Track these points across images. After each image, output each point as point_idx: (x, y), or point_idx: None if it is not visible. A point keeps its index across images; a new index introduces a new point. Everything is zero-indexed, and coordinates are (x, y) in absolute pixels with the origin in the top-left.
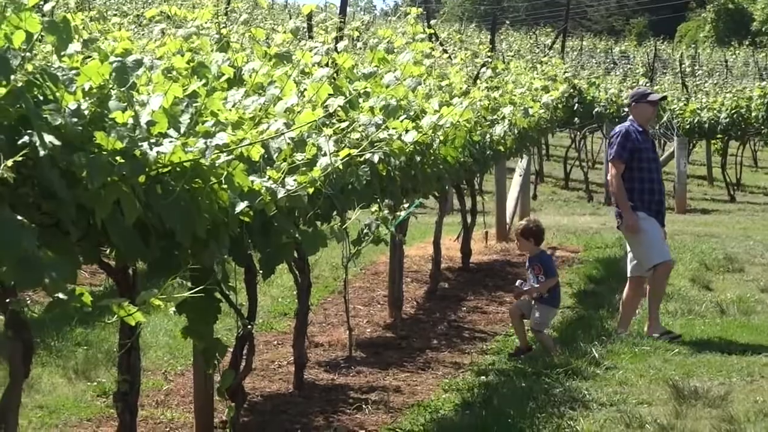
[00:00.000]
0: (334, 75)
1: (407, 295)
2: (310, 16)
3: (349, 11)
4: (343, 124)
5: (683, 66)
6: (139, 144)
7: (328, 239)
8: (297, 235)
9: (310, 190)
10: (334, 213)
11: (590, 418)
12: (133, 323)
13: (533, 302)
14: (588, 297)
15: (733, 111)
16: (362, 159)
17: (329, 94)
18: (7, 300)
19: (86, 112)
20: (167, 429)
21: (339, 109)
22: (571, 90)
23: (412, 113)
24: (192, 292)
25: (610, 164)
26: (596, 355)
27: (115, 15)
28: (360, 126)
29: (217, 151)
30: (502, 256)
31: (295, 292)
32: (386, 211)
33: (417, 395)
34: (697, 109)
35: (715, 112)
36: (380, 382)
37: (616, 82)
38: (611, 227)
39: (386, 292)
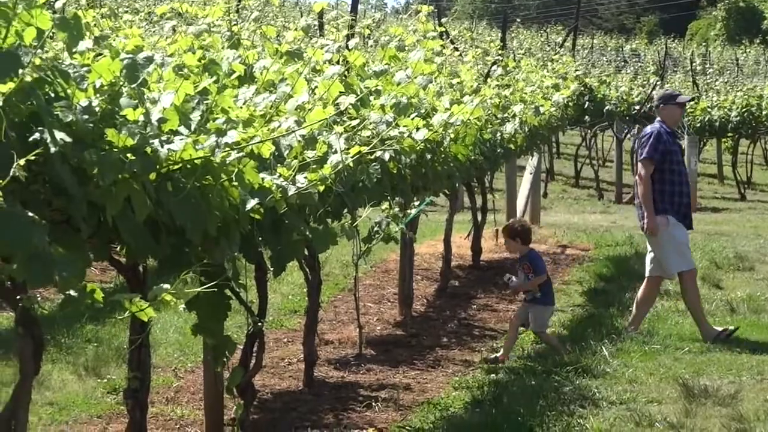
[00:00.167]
0: (345, 73)
1: (417, 292)
2: (321, 14)
3: (360, 9)
4: (354, 122)
5: (694, 64)
6: (150, 141)
7: (338, 237)
8: (307, 233)
9: (321, 188)
10: (345, 211)
11: (600, 416)
12: (145, 319)
13: (526, 304)
14: (598, 295)
15: (743, 109)
16: (373, 157)
17: (340, 92)
18: (18, 297)
19: (97, 109)
20: (177, 426)
21: (350, 106)
22: (582, 88)
23: (422, 111)
24: (203, 288)
25: (639, 164)
26: (606, 354)
27: (126, 12)
28: (371, 124)
29: (227, 149)
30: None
31: (305, 290)
32: (397, 209)
33: (427, 393)
34: (708, 107)
35: (725, 110)
36: (390, 380)
37: (627, 80)
38: (621, 225)
39: (396, 290)
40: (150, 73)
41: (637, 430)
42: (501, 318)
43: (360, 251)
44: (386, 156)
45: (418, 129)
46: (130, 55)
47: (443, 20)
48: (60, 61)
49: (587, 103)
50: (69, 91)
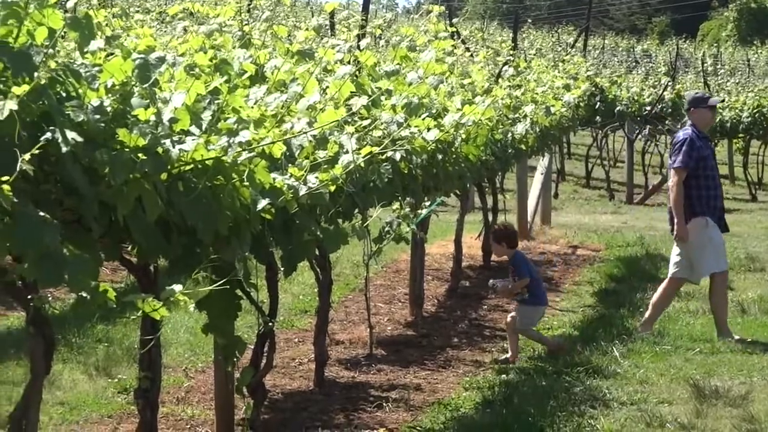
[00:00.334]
0: (357, 73)
1: (428, 293)
2: (332, 14)
3: (372, 9)
4: (365, 122)
5: (705, 65)
6: (162, 141)
7: (349, 237)
8: (318, 233)
9: (332, 188)
10: (356, 211)
11: (611, 417)
12: (158, 318)
13: (517, 304)
14: (609, 296)
15: (755, 110)
16: (384, 157)
17: (351, 92)
18: (29, 296)
19: (109, 109)
20: (188, 426)
21: (361, 107)
22: (593, 89)
23: (434, 111)
24: (214, 286)
25: (672, 171)
26: (617, 354)
27: (137, 12)
28: (382, 124)
29: (239, 149)
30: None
31: (316, 290)
32: (407, 209)
33: (437, 393)
34: (719, 108)
35: (737, 111)
36: (401, 380)
37: (638, 81)
38: (632, 226)
39: (407, 290)
40: (161, 73)
41: (647, 431)
42: None
43: (371, 251)
44: (397, 156)
45: (429, 129)
46: (142, 55)
47: (454, 20)
48: (71, 60)
49: (598, 103)
50: (80, 90)
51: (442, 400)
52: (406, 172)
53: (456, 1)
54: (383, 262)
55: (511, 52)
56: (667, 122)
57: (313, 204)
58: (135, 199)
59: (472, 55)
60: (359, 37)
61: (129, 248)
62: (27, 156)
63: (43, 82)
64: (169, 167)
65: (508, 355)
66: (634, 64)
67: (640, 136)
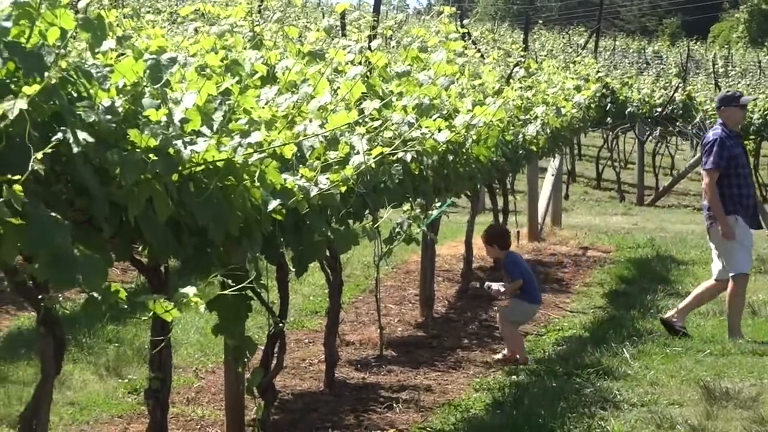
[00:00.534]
0: (368, 73)
1: (438, 294)
2: (343, 15)
3: (382, 10)
4: (376, 123)
5: (716, 67)
6: (173, 142)
7: (360, 238)
8: (329, 234)
9: (343, 189)
10: (367, 211)
11: (621, 418)
12: (169, 320)
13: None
14: (619, 297)
15: (766, 112)
16: (395, 158)
17: (362, 93)
18: (40, 297)
19: (120, 110)
20: (198, 426)
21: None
22: (604, 90)
23: (444, 112)
24: (227, 291)
25: (704, 173)
26: (627, 356)
27: (148, 12)
28: (393, 125)
29: (250, 150)
30: (534, 255)
31: (326, 291)
32: (418, 210)
33: (448, 394)
34: None
35: (747, 112)
36: (411, 381)
37: (649, 82)
38: (643, 227)
39: (417, 291)
40: (173, 74)
41: None
42: None
43: (381, 252)
44: (408, 157)
45: (440, 130)
46: (153, 56)
47: (465, 21)
48: (83, 61)
49: (609, 104)
50: (92, 91)
51: (453, 401)
52: (416, 173)
53: (467, 2)
54: (394, 263)
55: (522, 53)
56: (678, 123)
57: (324, 205)
58: (146, 199)
59: (483, 56)
60: (370, 38)
61: (140, 248)
62: (39, 155)
63: (53, 81)
64: (180, 168)
65: (518, 357)
66: (645, 65)
67: (650, 137)
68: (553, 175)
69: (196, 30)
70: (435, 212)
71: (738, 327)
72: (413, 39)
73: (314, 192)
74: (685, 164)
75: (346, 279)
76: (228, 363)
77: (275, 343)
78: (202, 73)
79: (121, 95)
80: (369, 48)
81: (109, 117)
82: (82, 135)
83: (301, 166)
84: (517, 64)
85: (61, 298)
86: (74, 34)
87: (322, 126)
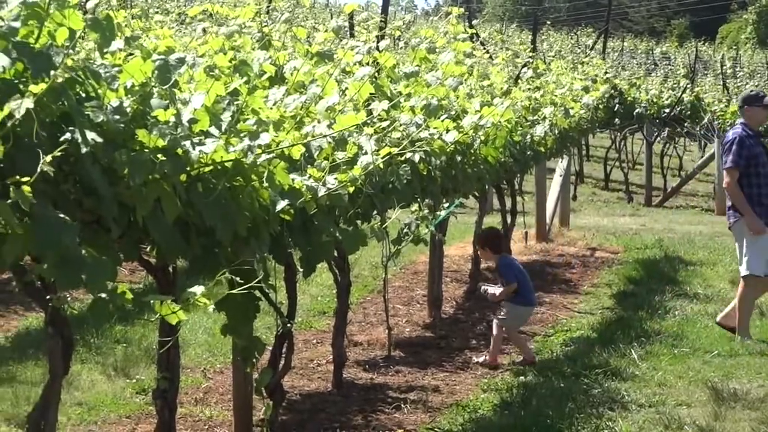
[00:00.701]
0: (376, 74)
1: (446, 294)
2: (351, 15)
3: (391, 11)
4: (384, 123)
5: (724, 68)
6: (182, 143)
7: (368, 238)
8: (337, 234)
9: (351, 189)
10: (375, 212)
11: (629, 419)
12: (174, 321)
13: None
14: (627, 298)
15: None
16: (403, 158)
17: (371, 94)
18: (48, 297)
19: (128, 110)
20: (206, 427)
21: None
22: (612, 91)
23: (453, 113)
24: (235, 290)
25: (725, 172)
26: (635, 357)
27: (157, 13)
28: (401, 125)
29: (258, 150)
30: (542, 256)
31: (334, 291)
32: (426, 211)
33: (456, 395)
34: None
35: None
36: (419, 382)
37: (657, 83)
38: (651, 228)
39: (425, 292)
40: (181, 74)
41: None
42: (529, 320)
43: (389, 253)
44: (416, 157)
45: (448, 131)
46: (162, 56)
47: (474, 22)
48: (91, 61)
49: (617, 105)
50: (100, 91)
51: (461, 401)
52: (425, 173)
53: (475, 3)
54: (402, 263)
55: (530, 54)
56: (686, 124)
57: (332, 205)
58: (154, 200)
59: (491, 57)
60: (378, 39)
61: (148, 249)
62: (48, 158)
63: (60, 80)
64: (188, 168)
65: (486, 357)
66: (653, 66)
67: (658, 138)
68: (561, 175)
69: (204, 30)
70: (443, 213)
71: (746, 328)
72: (421, 40)
73: (322, 192)
74: (693, 165)
75: (354, 279)
76: (236, 363)
77: (283, 343)
78: (211, 73)
79: (129, 95)
80: (377, 49)
81: (117, 117)
82: (91, 135)
83: (309, 166)
84: (525, 65)
85: (69, 299)
86: (83, 34)
87: (330, 126)
